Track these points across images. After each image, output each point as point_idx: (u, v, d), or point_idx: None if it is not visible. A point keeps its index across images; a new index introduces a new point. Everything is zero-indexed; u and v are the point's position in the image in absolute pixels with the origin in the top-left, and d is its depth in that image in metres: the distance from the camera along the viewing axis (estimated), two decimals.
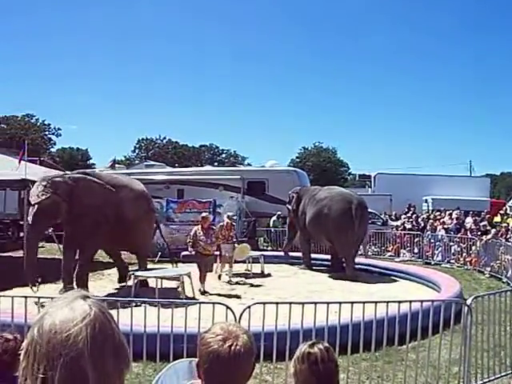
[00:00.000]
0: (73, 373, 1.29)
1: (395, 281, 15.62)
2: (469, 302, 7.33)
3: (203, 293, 13.04)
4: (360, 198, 17.79)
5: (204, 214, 14.43)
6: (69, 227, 12.85)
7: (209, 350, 2.07)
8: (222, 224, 15.46)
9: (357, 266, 16.84)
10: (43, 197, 11.89)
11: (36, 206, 11.92)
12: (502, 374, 7.65)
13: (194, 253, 13.62)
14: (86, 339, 1.31)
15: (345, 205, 16.64)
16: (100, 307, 1.40)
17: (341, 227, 16.32)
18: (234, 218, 16.95)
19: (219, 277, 15.17)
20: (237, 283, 14.68)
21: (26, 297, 6.95)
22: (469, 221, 22.77)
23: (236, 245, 15.84)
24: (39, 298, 6.71)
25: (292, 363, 2.95)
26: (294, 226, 19.15)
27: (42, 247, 22.30)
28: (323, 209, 16.88)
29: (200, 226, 13.64)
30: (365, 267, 17.49)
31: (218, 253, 14.88)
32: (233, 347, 2.04)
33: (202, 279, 13.32)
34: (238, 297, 12.69)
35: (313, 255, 18.97)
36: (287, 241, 19.93)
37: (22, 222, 19.59)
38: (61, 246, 15.49)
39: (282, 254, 19.47)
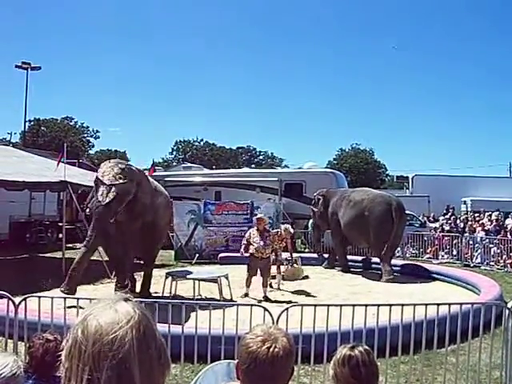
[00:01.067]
0: (119, 374, 1.31)
1: (434, 283, 15.46)
2: (510, 304, 7.19)
3: (245, 295, 12.89)
4: (398, 199, 17.80)
5: (259, 216, 13.92)
6: (126, 225, 11.67)
7: (248, 351, 2.08)
8: (277, 231, 15.03)
9: (395, 268, 16.77)
10: (121, 180, 11.07)
11: (112, 187, 10.94)
12: None
13: (247, 255, 13.23)
14: (132, 341, 1.33)
15: (386, 206, 16.69)
16: (142, 309, 1.43)
17: (381, 229, 16.35)
18: (292, 231, 16.54)
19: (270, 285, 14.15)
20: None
21: (65, 298, 7.04)
22: (509, 222, 22.43)
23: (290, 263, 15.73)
24: (78, 299, 6.77)
25: (332, 366, 2.94)
26: (320, 227, 19.28)
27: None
28: (363, 210, 16.84)
29: (255, 228, 13.20)
30: (404, 269, 17.38)
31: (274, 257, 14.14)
32: (271, 349, 2.05)
33: (248, 282, 13.06)
34: (276, 301, 12.65)
35: (350, 257, 18.94)
36: (315, 242, 20.13)
37: (61, 224, 19.88)
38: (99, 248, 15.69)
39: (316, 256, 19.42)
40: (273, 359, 2.04)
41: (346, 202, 17.59)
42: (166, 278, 12.72)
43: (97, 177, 11.31)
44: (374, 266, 17.60)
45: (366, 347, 3.01)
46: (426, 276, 16.32)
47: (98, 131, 78.06)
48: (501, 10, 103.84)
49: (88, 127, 77.19)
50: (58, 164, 16.80)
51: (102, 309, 1.39)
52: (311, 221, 21.45)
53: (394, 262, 17.69)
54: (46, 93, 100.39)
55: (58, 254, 16.97)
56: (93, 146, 79.54)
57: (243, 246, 13.29)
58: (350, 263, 18.32)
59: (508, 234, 20.58)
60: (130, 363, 1.32)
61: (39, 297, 6.98)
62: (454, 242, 21.27)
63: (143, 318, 1.38)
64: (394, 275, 16.01)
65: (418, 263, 18.77)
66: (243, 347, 2.11)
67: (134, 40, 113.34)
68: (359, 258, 19.19)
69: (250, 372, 2.08)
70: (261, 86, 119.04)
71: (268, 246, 12.96)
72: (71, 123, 75.50)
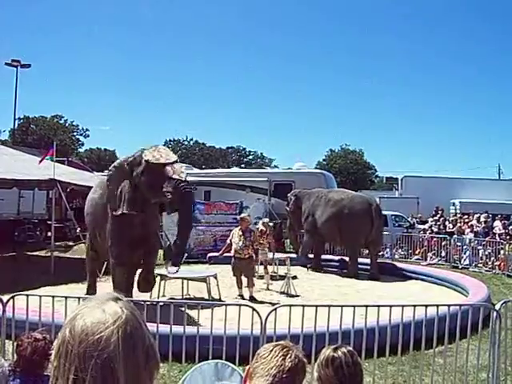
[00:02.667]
0: (104, 374, 1.30)
1: (422, 285, 15.52)
2: (497, 306, 7.23)
3: (240, 297, 12.81)
4: (376, 200, 18.68)
5: (242, 215, 13.93)
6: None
7: (264, 358, 2.12)
8: (258, 228, 15.07)
9: (385, 270, 17.07)
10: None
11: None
12: None
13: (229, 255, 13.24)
14: (118, 341, 1.32)
15: (365, 206, 17.21)
16: (131, 309, 1.42)
17: (360, 228, 16.88)
18: (270, 224, 16.54)
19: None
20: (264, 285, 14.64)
21: (53, 296, 7.00)
22: (497, 224, 22.53)
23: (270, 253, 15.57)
24: (66, 297, 6.75)
25: (316, 368, 2.93)
26: (294, 228, 19.74)
27: (70, 247, 22.58)
28: (343, 209, 17.13)
29: (239, 228, 13.12)
30: (391, 271, 17.46)
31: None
32: (292, 358, 2.09)
33: (239, 283, 13.02)
34: (263, 301, 12.65)
35: (328, 257, 19.52)
36: (293, 243, 20.75)
37: (49, 222, 19.80)
38: None
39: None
40: (289, 368, 2.08)
41: (324, 201, 17.80)
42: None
43: (155, 161, 10.06)
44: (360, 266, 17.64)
45: (350, 348, 3.01)
46: (415, 277, 16.38)
47: (87, 129, 77.73)
48: (490, 7, 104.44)
49: (78, 125, 76.88)
50: (41, 161, 16.74)
51: (90, 308, 1.38)
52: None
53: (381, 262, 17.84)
54: (35, 91, 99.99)
55: (47, 253, 16.90)
56: (82, 145, 79.29)
57: (224, 246, 13.32)
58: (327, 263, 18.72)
59: (496, 235, 20.68)
60: (116, 364, 1.31)
61: (27, 295, 6.95)
62: (443, 243, 21.33)
63: (131, 319, 1.37)
64: (358, 275, 16.70)
65: (407, 264, 18.85)
66: (260, 355, 2.15)
67: (125, 38, 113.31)
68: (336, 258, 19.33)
69: (261, 378, 2.10)
70: (251, 86, 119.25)
71: (247, 246, 12.76)
72: (61, 121, 75.04)
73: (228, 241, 13.30)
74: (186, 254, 19.12)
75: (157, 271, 12.05)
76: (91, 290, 12.03)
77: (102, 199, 10.99)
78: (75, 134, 77.38)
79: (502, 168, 64.80)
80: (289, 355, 2.12)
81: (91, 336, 1.32)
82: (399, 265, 18.43)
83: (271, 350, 2.14)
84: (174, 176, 10.04)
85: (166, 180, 9.97)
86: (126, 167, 10.40)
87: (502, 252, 19.05)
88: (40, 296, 7.01)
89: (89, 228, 12.13)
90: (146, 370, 1.38)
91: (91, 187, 18.87)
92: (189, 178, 26.26)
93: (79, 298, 6.32)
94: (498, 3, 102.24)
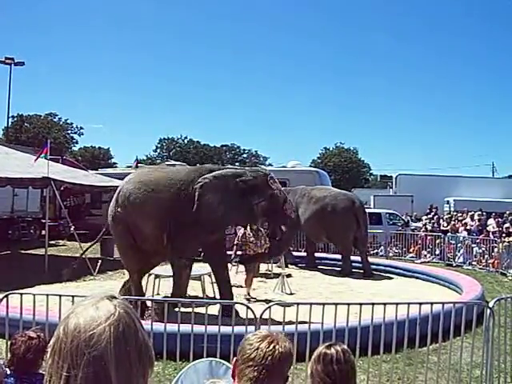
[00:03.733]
0: (96, 372, 1.31)
1: (417, 282, 15.55)
2: (491, 304, 7.25)
3: (249, 298, 12.68)
4: (359, 198, 18.87)
5: None
6: None
7: (251, 347, 2.12)
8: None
9: (379, 267, 17.11)
10: None
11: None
12: None
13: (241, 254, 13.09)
14: (110, 339, 1.33)
15: (348, 203, 17.39)
16: (126, 307, 1.42)
17: (346, 224, 17.05)
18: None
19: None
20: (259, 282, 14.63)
21: (47, 295, 6.99)
22: (491, 222, 22.59)
23: None
24: (60, 296, 6.73)
25: (310, 364, 2.96)
26: None
27: (64, 245, 22.58)
28: (326, 207, 17.27)
29: (248, 228, 12.97)
30: (387, 268, 17.50)
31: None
32: (277, 346, 2.11)
33: (249, 283, 13.01)
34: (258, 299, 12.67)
35: (322, 255, 19.72)
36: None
37: (43, 220, 19.77)
38: (82, 245, 15.63)
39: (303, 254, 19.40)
40: (277, 356, 2.08)
41: (308, 199, 17.88)
42: (149, 275, 12.67)
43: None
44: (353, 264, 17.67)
45: (344, 346, 3.02)
46: (409, 275, 16.42)
47: (81, 128, 77.58)
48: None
49: (72, 124, 76.73)
50: (36, 159, 16.69)
51: (84, 306, 1.39)
52: None
53: (377, 260, 17.87)
54: (29, 89, 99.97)
55: (41, 251, 16.86)
56: (76, 143, 79.08)
57: (235, 248, 13.27)
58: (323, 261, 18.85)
59: (490, 233, 20.73)
60: (107, 361, 1.31)
61: (21, 293, 6.93)
62: (437, 241, 21.39)
63: (124, 316, 1.38)
64: (351, 273, 16.77)
65: (402, 262, 18.89)
66: (246, 345, 2.15)
67: (118, 36, 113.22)
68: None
69: (249, 368, 2.10)
70: (245, 84, 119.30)
71: (263, 245, 12.72)
72: (55, 119, 74.89)
73: (237, 241, 13.24)
74: None
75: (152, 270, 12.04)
76: (140, 292, 11.37)
77: (172, 201, 10.61)
78: (69, 132, 77.21)
79: (496, 166, 65.07)
80: (274, 344, 2.13)
81: (83, 333, 1.32)
82: (393, 263, 18.47)
83: (257, 340, 2.15)
84: (289, 213, 11.13)
85: (282, 214, 10.96)
86: (235, 182, 10.63)
87: (495, 250, 19.12)
88: (34, 294, 6.98)
89: (138, 226, 10.98)
90: (138, 367, 1.38)
91: (85, 185, 19.02)
92: None
93: (73, 296, 6.30)
94: None
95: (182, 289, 10.62)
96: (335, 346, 2.99)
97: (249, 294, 12.99)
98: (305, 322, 6.87)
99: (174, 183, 10.72)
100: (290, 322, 6.88)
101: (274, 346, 2.11)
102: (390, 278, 16.15)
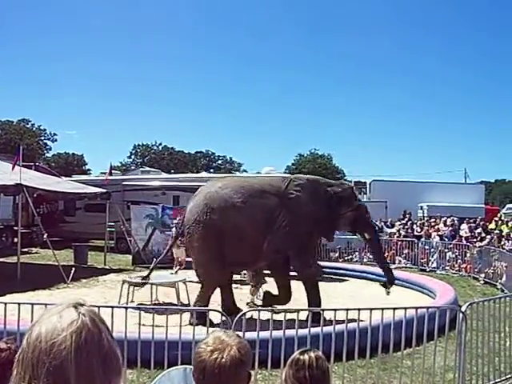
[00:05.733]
0: (55, 381, 1.28)
1: (391, 288, 15.62)
2: (463, 308, 7.34)
3: (253, 305, 12.53)
4: None
5: None
6: None
7: (198, 360, 2.11)
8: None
9: (355, 273, 17.16)
10: None
11: None
12: (497, 381, 7.66)
13: None
14: (70, 348, 1.30)
15: None
16: (92, 315, 1.39)
17: None
18: None
19: None
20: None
21: (19, 303, 6.89)
22: (464, 227, 22.80)
23: None
24: (32, 304, 6.64)
25: (284, 371, 2.98)
26: None
27: (37, 253, 22.35)
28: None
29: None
30: (362, 274, 17.57)
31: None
32: (218, 359, 2.07)
33: (255, 291, 12.94)
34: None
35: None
36: None
37: (16, 228, 19.55)
38: (56, 252, 15.48)
39: None
40: (219, 369, 2.06)
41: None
42: (123, 283, 12.61)
43: None
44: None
45: (319, 353, 3.03)
46: (384, 281, 16.47)
47: (55, 134, 77.00)
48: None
49: (45, 130, 76.10)
50: (13, 167, 16.53)
51: (49, 315, 1.36)
52: None
53: (351, 266, 17.95)
54: (1, 94, 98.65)
55: (13, 259, 16.67)
56: (50, 149, 78.40)
57: None
58: None
59: (463, 239, 20.94)
60: (67, 370, 1.28)
61: None
62: (411, 246, 21.54)
63: (87, 324, 1.34)
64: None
65: (375, 268, 18.97)
66: (195, 356, 2.14)
67: (90, 41, 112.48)
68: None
69: (200, 381, 2.10)
70: (220, 90, 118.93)
71: None
72: (27, 126, 74.25)
73: None
74: (155, 259, 19.18)
75: (125, 277, 11.98)
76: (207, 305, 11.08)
77: (274, 206, 11.01)
78: (42, 138, 76.53)
79: (468, 172, 65.76)
80: (217, 354, 2.11)
81: (44, 343, 1.30)
82: (368, 268, 18.54)
83: (204, 350, 2.14)
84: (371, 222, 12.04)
85: (366, 223, 11.84)
86: (325, 190, 11.44)
87: (468, 255, 19.31)
88: (5, 303, 6.91)
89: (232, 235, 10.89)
90: (102, 376, 1.34)
91: (59, 192, 18.87)
92: (157, 183, 26.13)
93: (46, 304, 6.24)
94: None
95: (318, 296, 11.43)
96: (309, 352, 3.00)
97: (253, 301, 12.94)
98: (279, 329, 6.87)
99: (272, 189, 11.19)
100: (265, 329, 6.87)
101: (217, 358, 2.09)
102: (364, 284, 16.20)
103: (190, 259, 16.59)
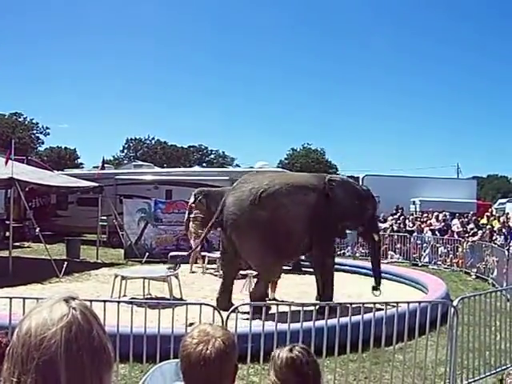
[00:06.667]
0: (45, 376, 1.27)
1: (383, 282, 15.64)
2: (455, 303, 7.36)
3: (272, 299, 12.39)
4: None
5: None
6: None
7: (184, 354, 2.11)
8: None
9: (346, 268, 17.16)
10: None
11: None
12: (487, 374, 7.70)
13: None
14: (60, 342, 1.28)
15: None
16: (83, 309, 1.37)
17: None
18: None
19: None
20: None
21: (10, 298, 6.87)
22: (455, 222, 22.87)
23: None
24: (24, 299, 6.62)
25: (272, 372, 2.89)
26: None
27: (29, 247, 22.30)
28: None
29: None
30: (354, 269, 17.59)
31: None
32: (203, 351, 2.08)
33: (274, 287, 12.79)
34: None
35: None
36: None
37: (8, 222, 19.49)
38: (48, 246, 15.44)
39: None
40: (204, 361, 2.06)
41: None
42: (116, 277, 12.58)
43: None
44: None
45: (303, 346, 3.01)
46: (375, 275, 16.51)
47: (47, 128, 76.64)
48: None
49: (37, 123, 75.77)
50: (6, 161, 16.46)
51: (40, 309, 1.35)
52: None
53: (343, 261, 17.96)
54: None
55: (5, 253, 16.62)
56: (42, 143, 78.06)
57: None
58: None
59: (455, 233, 21.00)
60: (57, 365, 1.27)
61: None
62: (403, 241, 21.60)
63: (78, 318, 1.33)
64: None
65: (368, 263, 19.00)
66: (181, 349, 2.14)
67: (83, 35, 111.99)
68: None
69: (187, 374, 2.11)
70: (212, 84, 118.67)
71: None
72: (20, 119, 73.89)
73: None
74: (148, 254, 19.15)
75: (118, 271, 11.96)
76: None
77: (315, 202, 11.51)
78: (35, 132, 76.20)
79: (461, 167, 65.88)
80: (202, 346, 2.11)
81: (33, 337, 1.28)
82: (360, 263, 18.56)
83: (190, 342, 2.14)
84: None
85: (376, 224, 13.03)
86: (356, 188, 12.67)
87: (460, 250, 19.39)
88: None
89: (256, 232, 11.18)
90: (92, 370, 1.33)
91: (51, 186, 18.82)
92: (150, 177, 26.08)
93: (37, 299, 6.22)
94: None
95: (332, 288, 11.71)
96: (295, 348, 2.92)
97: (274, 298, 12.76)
98: (271, 323, 6.88)
99: (313, 186, 11.69)
100: (258, 323, 6.88)
101: (202, 350, 2.09)
102: (357, 278, 16.22)
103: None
